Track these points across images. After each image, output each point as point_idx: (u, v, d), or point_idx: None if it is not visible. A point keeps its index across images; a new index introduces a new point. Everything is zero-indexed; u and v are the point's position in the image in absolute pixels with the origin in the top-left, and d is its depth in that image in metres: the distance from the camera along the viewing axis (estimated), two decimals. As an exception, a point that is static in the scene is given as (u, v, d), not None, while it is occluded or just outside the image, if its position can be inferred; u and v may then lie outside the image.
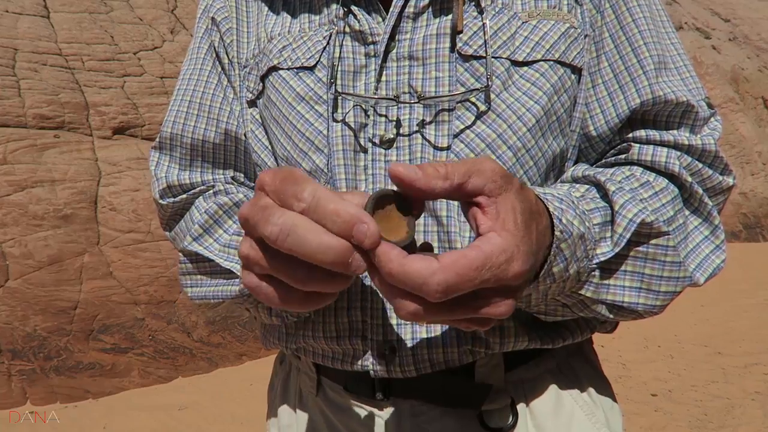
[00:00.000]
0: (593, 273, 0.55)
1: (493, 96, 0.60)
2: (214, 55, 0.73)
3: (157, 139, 0.73)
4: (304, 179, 0.40)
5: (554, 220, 0.48)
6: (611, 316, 0.57)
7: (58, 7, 4.36)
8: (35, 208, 3.40)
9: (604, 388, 0.71)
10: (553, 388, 0.66)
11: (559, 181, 0.63)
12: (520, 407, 0.64)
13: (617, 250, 0.54)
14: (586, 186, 0.59)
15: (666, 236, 0.55)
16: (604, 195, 0.57)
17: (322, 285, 0.40)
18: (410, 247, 0.40)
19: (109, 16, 4.50)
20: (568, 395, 0.66)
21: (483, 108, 0.60)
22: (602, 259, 0.54)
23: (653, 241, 0.55)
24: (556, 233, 0.48)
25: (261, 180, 0.41)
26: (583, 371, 0.69)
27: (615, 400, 0.72)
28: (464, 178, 0.39)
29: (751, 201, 8.46)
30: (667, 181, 0.59)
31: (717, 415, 2.94)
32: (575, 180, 0.61)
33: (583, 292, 0.55)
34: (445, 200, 0.60)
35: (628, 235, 0.54)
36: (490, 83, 0.59)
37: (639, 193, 0.57)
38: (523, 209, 0.41)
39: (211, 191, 0.69)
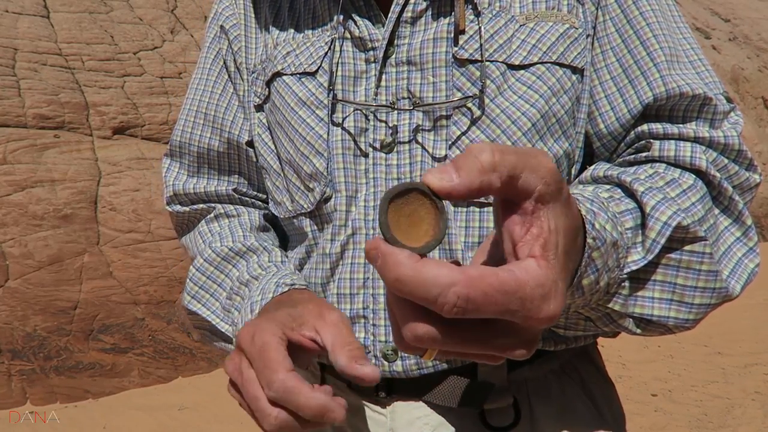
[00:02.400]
0: (623, 284, 0.50)
1: (487, 101, 0.59)
2: (222, 63, 0.75)
3: (169, 146, 0.78)
4: (276, 363, 0.46)
5: (586, 225, 0.42)
6: (638, 330, 0.52)
7: (58, 7, 4.36)
8: (35, 208, 3.40)
9: (608, 388, 0.71)
10: (556, 389, 0.66)
11: (576, 180, 0.60)
12: (523, 407, 0.64)
13: (650, 257, 0.49)
14: (609, 185, 0.55)
15: (702, 242, 0.50)
16: (631, 195, 0.53)
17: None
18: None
19: (109, 16, 4.49)
20: (571, 396, 0.66)
21: (478, 114, 0.59)
22: (633, 268, 0.49)
23: (687, 248, 0.50)
24: (589, 240, 0.42)
25: (239, 341, 0.50)
26: (587, 372, 0.69)
27: (619, 402, 0.71)
28: (515, 171, 0.32)
29: (751, 201, 8.46)
30: (694, 177, 0.55)
31: (717, 415, 2.94)
32: (595, 180, 0.57)
33: (611, 305, 0.50)
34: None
35: (662, 241, 0.49)
36: (484, 88, 0.58)
37: (666, 192, 0.52)
38: (568, 229, 0.35)
39: (212, 215, 0.75)
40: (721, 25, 10.59)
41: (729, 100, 0.60)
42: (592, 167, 0.59)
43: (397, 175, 0.61)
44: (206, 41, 0.77)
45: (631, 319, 0.52)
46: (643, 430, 2.81)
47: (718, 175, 0.55)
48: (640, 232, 0.50)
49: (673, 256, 0.50)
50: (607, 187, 0.54)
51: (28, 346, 3.20)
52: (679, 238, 0.50)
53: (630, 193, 0.52)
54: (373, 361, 0.62)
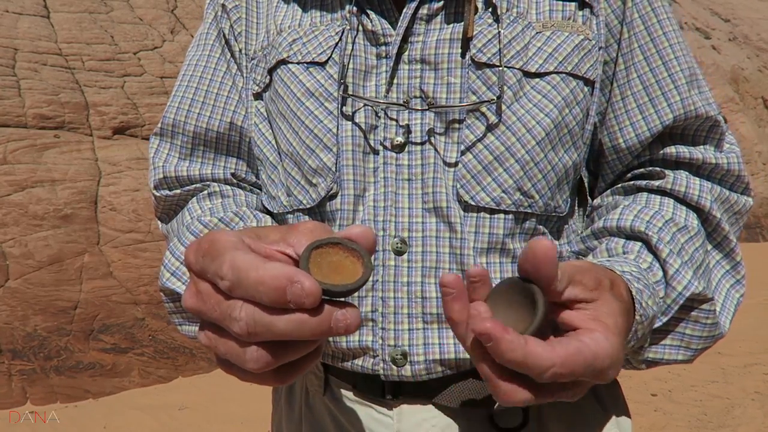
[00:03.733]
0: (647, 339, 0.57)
1: (503, 107, 0.59)
2: (224, 41, 0.71)
3: (159, 125, 0.71)
4: (222, 250, 0.34)
5: (636, 304, 0.48)
6: (644, 367, 0.60)
7: (58, 7, 4.36)
8: (35, 208, 3.40)
9: (614, 388, 0.70)
10: None
11: (603, 228, 0.62)
12: (531, 407, 0.63)
13: (665, 320, 0.56)
14: (639, 244, 0.59)
15: (711, 301, 0.57)
16: (655, 254, 0.58)
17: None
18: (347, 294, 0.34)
19: (109, 16, 4.49)
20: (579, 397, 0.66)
21: (493, 119, 0.59)
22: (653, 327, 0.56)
23: (698, 306, 0.57)
24: (636, 317, 0.48)
25: (187, 260, 0.36)
26: None
27: (625, 401, 0.71)
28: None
29: (750, 201, 8.46)
30: (697, 221, 0.61)
31: (717, 415, 2.94)
32: (620, 230, 0.61)
33: (632, 354, 0.58)
34: (452, 197, 0.59)
35: (676, 307, 0.56)
36: (502, 94, 0.58)
37: (678, 239, 0.58)
38: (621, 310, 0.43)
39: (205, 192, 0.68)
40: (721, 25, 10.59)
41: (724, 119, 0.66)
42: (618, 214, 0.61)
43: (408, 175, 0.60)
44: (206, 19, 0.73)
45: (644, 363, 0.60)
46: (643, 430, 2.81)
47: (718, 215, 0.61)
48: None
49: (685, 312, 0.57)
50: (639, 246, 0.59)
51: (28, 346, 3.20)
52: (692, 298, 0.57)
53: (654, 253, 0.59)
54: (381, 364, 0.61)
